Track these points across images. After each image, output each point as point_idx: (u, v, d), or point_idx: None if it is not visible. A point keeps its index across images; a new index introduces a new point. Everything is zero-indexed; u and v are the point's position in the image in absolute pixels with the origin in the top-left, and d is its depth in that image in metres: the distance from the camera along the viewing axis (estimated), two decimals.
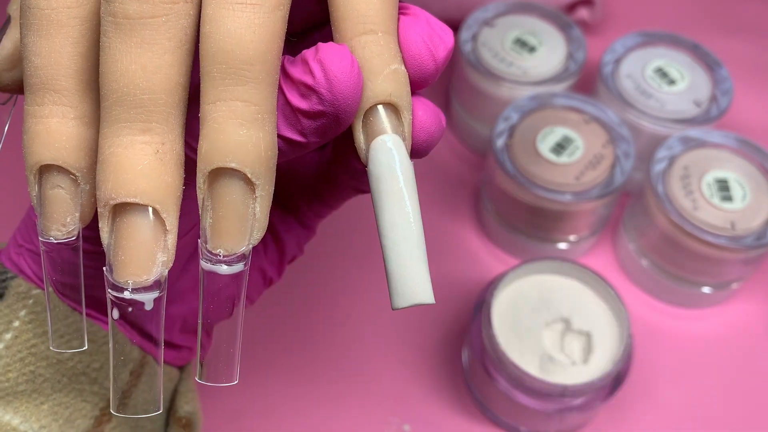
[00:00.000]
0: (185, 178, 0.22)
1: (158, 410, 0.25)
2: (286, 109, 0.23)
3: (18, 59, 0.25)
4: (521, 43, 0.55)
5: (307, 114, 0.23)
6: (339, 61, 0.22)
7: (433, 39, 0.24)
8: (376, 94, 0.23)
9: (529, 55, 0.55)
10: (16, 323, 0.29)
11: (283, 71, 0.23)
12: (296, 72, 0.22)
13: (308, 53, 0.22)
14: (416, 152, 0.24)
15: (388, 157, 0.23)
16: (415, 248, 0.22)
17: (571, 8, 0.62)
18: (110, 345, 0.24)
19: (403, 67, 0.23)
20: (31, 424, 0.29)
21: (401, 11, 0.24)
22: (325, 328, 0.50)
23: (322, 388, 0.47)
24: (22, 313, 0.30)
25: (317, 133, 0.23)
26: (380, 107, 0.23)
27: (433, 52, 0.24)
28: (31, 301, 0.30)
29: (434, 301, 0.22)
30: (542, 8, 0.57)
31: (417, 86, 0.24)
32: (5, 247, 0.31)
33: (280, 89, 0.23)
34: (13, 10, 0.25)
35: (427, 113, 0.24)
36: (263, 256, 0.34)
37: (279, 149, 0.23)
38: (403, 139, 0.23)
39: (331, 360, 0.49)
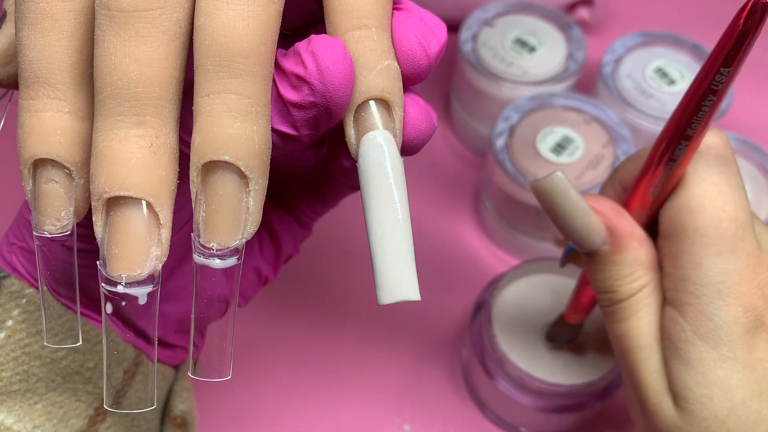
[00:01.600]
0: (178, 174, 0.22)
1: (152, 406, 0.25)
2: (279, 102, 0.23)
3: (13, 54, 0.25)
4: (521, 43, 0.55)
5: (298, 105, 0.23)
6: (331, 53, 0.22)
7: (425, 34, 0.24)
8: (368, 90, 0.23)
9: (529, 55, 0.55)
10: (10, 322, 0.29)
11: (276, 64, 0.23)
12: (288, 64, 0.22)
13: (300, 45, 0.22)
14: (406, 150, 0.24)
15: (378, 153, 0.23)
16: (403, 245, 0.22)
17: (571, 8, 0.62)
18: (104, 340, 0.24)
19: (395, 63, 0.23)
20: (24, 423, 0.29)
21: (394, 6, 0.24)
22: (325, 328, 0.50)
23: (321, 388, 0.47)
24: (15, 312, 0.29)
25: (308, 125, 0.23)
26: (372, 103, 0.23)
27: (425, 47, 0.24)
28: (24, 301, 0.30)
29: (420, 298, 0.22)
30: (542, 8, 0.57)
31: (410, 82, 0.24)
32: None
33: (273, 82, 0.23)
34: (9, 5, 0.25)
35: (418, 110, 0.24)
36: (259, 255, 0.34)
37: (272, 143, 0.23)
38: (394, 136, 0.23)
39: (331, 360, 0.48)
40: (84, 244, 0.25)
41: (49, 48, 0.22)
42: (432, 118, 0.25)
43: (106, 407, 0.25)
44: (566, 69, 0.54)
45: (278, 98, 0.23)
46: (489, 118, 0.54)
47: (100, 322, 0.31)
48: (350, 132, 0.23)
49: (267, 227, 0.34)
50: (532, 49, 0.55)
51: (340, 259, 0.53)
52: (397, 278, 0.22)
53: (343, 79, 0.22)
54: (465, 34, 0.55)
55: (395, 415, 0.47)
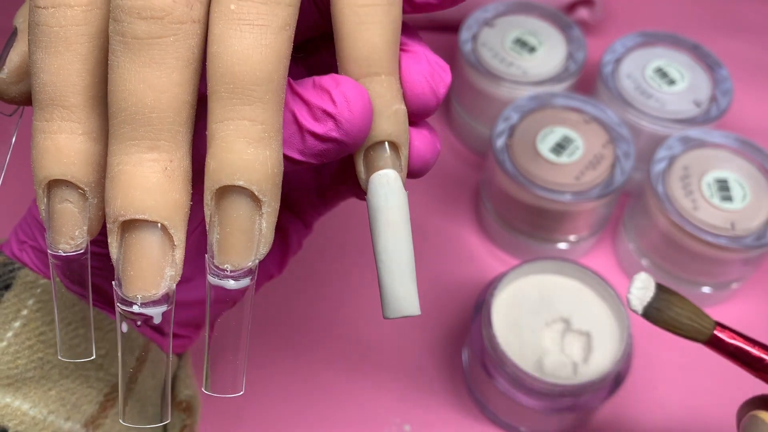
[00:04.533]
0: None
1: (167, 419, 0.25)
2: (290, 127, 0.23)
3: (25, 72, 0.25)
4: (521, 43, 0.55)
5: (318, 136, 0.24)
6: (361, 98, 0.24)
7: (434, 77, 0.26)
8: (379, 134, 0.25)
9: (529, 55, 0.55)
10: (25, 312, 0.30)
11: (292, 91, 0.23)
12: (313, 97, 0.24)
13: (328, 83, 0.24)
14: (412, 175, 0.26)
15: (386, 191, 0.25)
16: (405, 269, 0.25)
17: (571, 8, 0.62)
18: (119, 357, 0.24)
19: (403, 106, 0.25)
20: (40, 409, 0.30)
21: (401, 48, 0.25)
22: (325, 329, 0.50)
23: (322, 389, 0.48)
24: (30, 302, 0.30)
25: (320, 156, 0.24)
26: (383, 145, 0.25)
27: (435, 90, 0.26)
28: (38, 290, 0.31)
29: (420, 313, 0.25)
30: (542, 8, 0.57)
31: (419, 118, 0.26)
32: (6, 242, 0.32)
33: (286, 107, 0.23)
34: (20, 22, 0.25)
35: (424, 143, 0.26)
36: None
37: None
38: (400, 173, 0.25)
39: (332, 360, 0.49)
40: (97, 247, 0.26)
41: (63, 71, 0.22)
42: (436, 147, 0.27)
43: (121, 422, 0.25)
44: (566, 69, 0.54)
45: (291, 124, 0.23)
46: (489, 118, 0.55)
47: (111, 311, 0.32)
48: (360, 168, 0.25)
49: (277, 226, 0.35)
50: (532, 49, 0.55)
51: (340, 259, 0.53)
52: (401, 297, 0.25)
53: (366, 123, 0.24)
54: (465, 34, 0.55)
55: (395, 415, 0.47)
